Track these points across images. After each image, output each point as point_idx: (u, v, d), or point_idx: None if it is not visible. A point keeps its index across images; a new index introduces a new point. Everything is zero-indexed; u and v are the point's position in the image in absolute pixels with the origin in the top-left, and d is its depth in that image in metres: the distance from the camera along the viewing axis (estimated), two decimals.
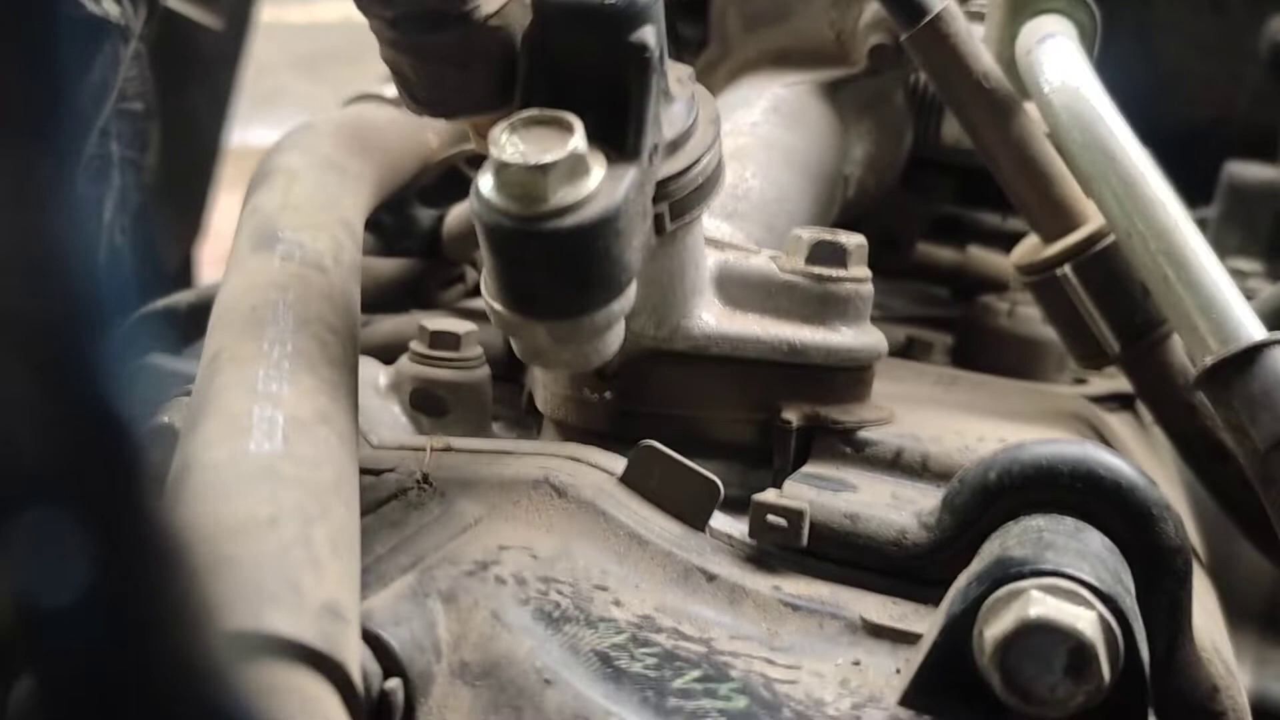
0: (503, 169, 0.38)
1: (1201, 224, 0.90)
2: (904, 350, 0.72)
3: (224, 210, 1.34)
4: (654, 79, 0.40)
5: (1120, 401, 0.69)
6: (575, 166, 0.38)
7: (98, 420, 0.22)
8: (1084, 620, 0.34)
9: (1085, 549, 0.37)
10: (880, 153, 0.68)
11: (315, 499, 0.33)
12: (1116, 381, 0.69)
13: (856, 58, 0.65)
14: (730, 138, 0.61)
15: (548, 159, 0.38)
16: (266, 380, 0.38)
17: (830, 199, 0.62)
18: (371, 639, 0.36)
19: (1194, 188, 0.92)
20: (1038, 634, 0.34)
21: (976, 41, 0.53)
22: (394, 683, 0.35)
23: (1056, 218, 0.52)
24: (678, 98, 0.43)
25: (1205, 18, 0.95)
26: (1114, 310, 0.51)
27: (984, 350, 0.71)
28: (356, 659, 0.30)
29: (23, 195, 0.22)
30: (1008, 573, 0.36)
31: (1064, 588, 0.35)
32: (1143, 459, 0.59)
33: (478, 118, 0.44)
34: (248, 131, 1.57)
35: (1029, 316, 0.71)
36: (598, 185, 0.38)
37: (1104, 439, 0.56)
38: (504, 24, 0.41)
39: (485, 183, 0.39)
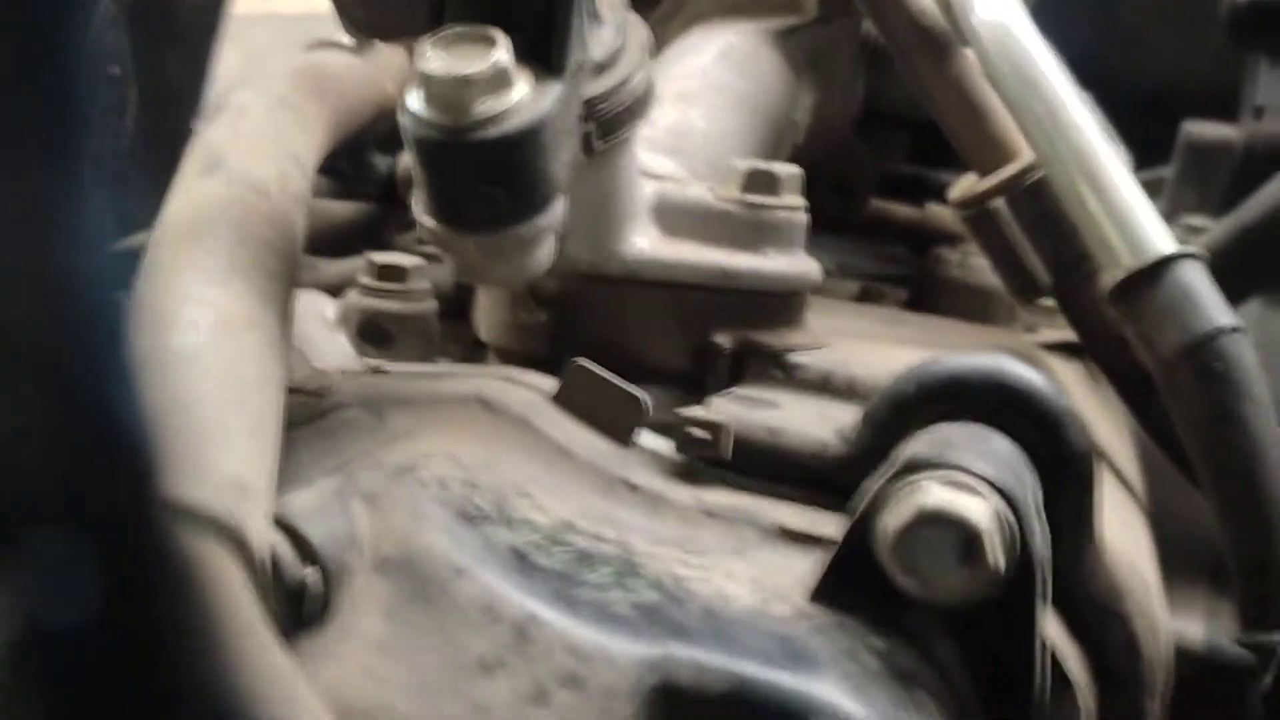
0: (428, 81, 0.39)
1: (1160, 184, 0.91)
2: (858, 300, 0.74)
3: None
4: (577, 2, 0.41)
5: (1070, 350, 0.70)
6: (499, 79, 0.39)
7: (108, 439, 0.22)
8: (976, 510, 0.35)
9: (987, 449, 0.38)
10: (831, 101, 0.69)
11: (235, 389, 0.35)
12: (1067, 332, 0.70)
13: (808, 6, 0.67)
14: (679, 81, 0.62)
15: (471, 70, 0.39)
16: (200, 285, 0.39)
17: (777, 142, 0.63)
18: (290, 530, 0.37)
19: (1156, 148, 0.93)
20: (931, 523, 0.35)
21: None
22: (311, 571, 0.37)
23: (991, 154, 0.54)
24: (607, 21, 0.45)
25: None
26: (1046, 243, 0.52)
27: (937, 300, 0.73)
28: (261, 533, 0.32)
29: (33, 210, 0.21)
30: (909, 467, 0.37)
31: (959, 480, 0.36)
32: (1086, 404, 0.61)
33: (413, 41, 0.45)
34: None
35: (980, 266, 0.72)
36: (522, 98, 0.40)
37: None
38: None
39: (412, 97, 0.40)
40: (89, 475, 0.22)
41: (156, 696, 0.23)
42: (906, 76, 0.55)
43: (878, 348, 0.52)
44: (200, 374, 0.35)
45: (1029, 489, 0.38)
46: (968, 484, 0.36)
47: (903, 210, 0.84)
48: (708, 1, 0.69)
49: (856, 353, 0.50)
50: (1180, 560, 0.83)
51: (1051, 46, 1.03)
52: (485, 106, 0.39)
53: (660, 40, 0.71)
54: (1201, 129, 0.86)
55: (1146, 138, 0.94)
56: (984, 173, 0.54)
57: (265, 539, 0.32)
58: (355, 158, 0.69)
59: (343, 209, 0.70)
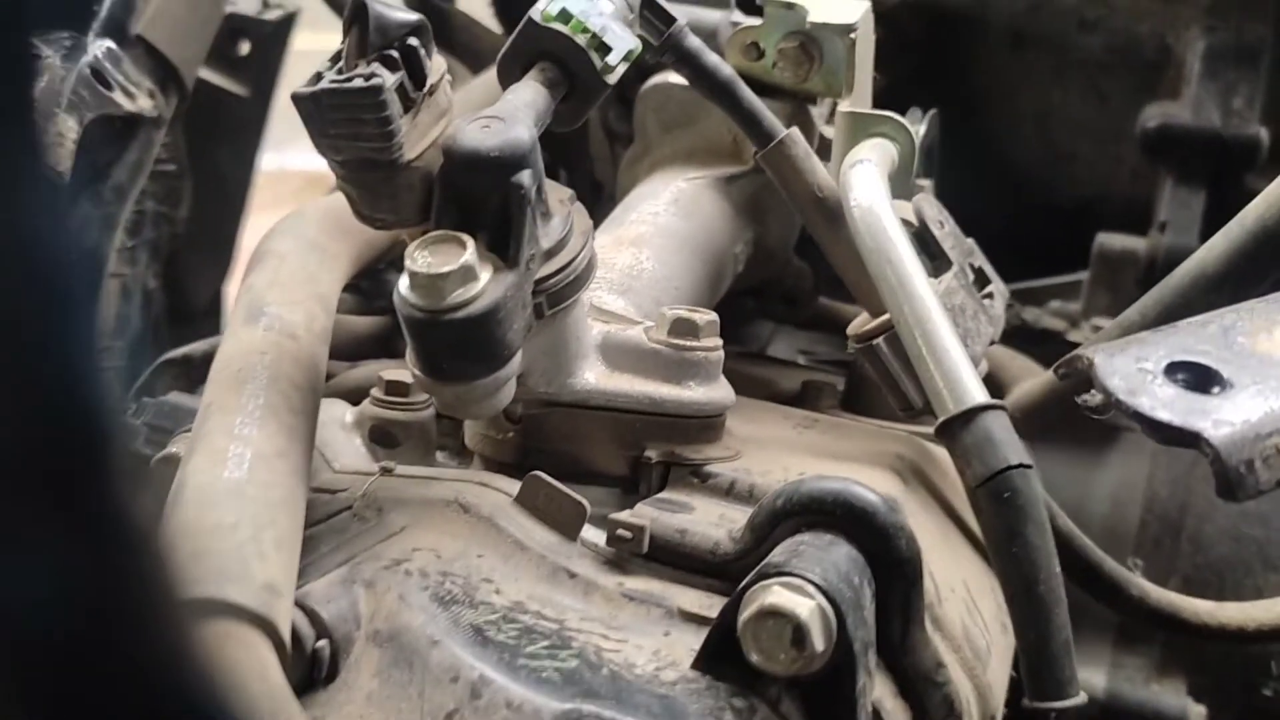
0: (414, 276, 0.53)
1: (1078, 285, 1.04)
2: (799, 395, 0.86)
3: (253, 232, 1.49)
4: (529, 208, 0.54)
5: None
6: (466, 274, 0.53)
7: (67, 410, 0.22)
8: (803, 607, 0.48)
9: (826, 557, 0.51)
10: (769, 232, 0.82)
11: (267, 512, 0.48)
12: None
13: (747, 158, 0.80)
14: (635, 225, 0.75)
15: (445, 269, 0.52)
16: (241, 425, 0.53)
17: (718, 275, 0.76)
18: (308, 611, 0.50)
19: (1080, 253, 1.05)
20: (771, 616, 0.48)
21: (814, 159, 0.67)
22: (323, 643, 0.50)
23: (875, 300, 0.66)
24: (555, 214, 0.58)
25: (1091, 105, 1.08)
26: (913, 374, 0.64)
27: (867, 390, 0.85)
28: (288, 624, 0.45)
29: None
30: (764, 573, 0.50)
31: (794, 584, 0.49)
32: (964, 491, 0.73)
33: (406, 229, 0.58)
34: (284, 155, 1.64)
35: None
36: (483, 287, 0.53)
37: (924, 472, 0.69)
38: (423, 164, 0.55)
39: (403, 284, 0.53)
40: (48, 447, 0.22)
41: (115, 669, 0.23)
42: (810, 231, 0.68)
43: (780, 457, 0.65)
44: (244, 500, 0.48)
45: (859, 587, 0.51)
46: (800, 586, 0.49)
47: (845, 308, 0.96)
48: (667, 150, 0.82)
49: (760, 463, 0.63)
50: (1089, 622, 0.95)
51: (997, 163, 1.17)
52: (456, 295, 0.52)
53: (630, 178, 0.85)
54: (1111, 240, 0.98)
55: (1077, 243, 1.07)
56: (872, 314, 0.67)
57: (289, 627, 0.45)
58: (374, 278, 0.83)
59: (362, 322, 0.83)
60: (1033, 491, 0.53)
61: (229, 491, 0.48)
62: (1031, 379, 0.82)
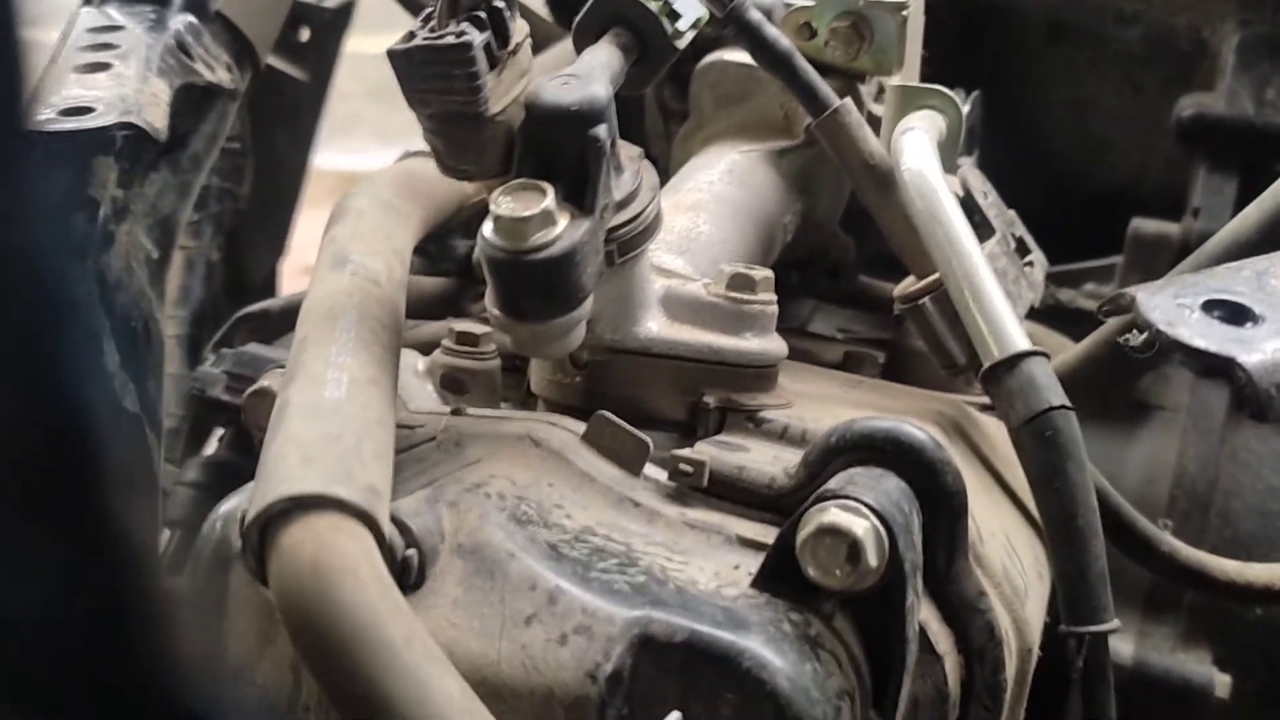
0: (498, 219, 0.57)
1: (1113, 269, 1.07)
2: (841, 364, 0.90)
3: (303, 228, 1.54)
4: (605, 160, 0.59)
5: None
6: (546, 218, 0.57)
7: (57, 417, 0.22)
8: (859, 526, 0.52)
9: (878, 486, 0.54)
10: (817, 205, 0.86)
11: (365, 427, 0.52)
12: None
13: (798, 132, 0.84)
14: (692, 193, 0.79)
15: (527, 213, 0.56)
16: (337, 354, 0.57)
17: (769, 242, 0.80)
18: (399, 523, 0.54)
19: (1115, 238, 1.09)
20: (828, 534, 0.52)
21: (866, 129, 0.71)
22: (412, 552, 0.54)
23: (924, 263, 0.70)
24: (626, 169, 0.62)
25: (1127, 96, 1.12)
26: (960, 332, 0.68)
27: (906, 364, 0.89)
28: (386, 522, 0.49)
29: None
30: (822, 496, 0.54)
31: (851, 506, 0.52)
32: (1005, 453, 0.76)
33: (489, 180, 0.62)
34: (325, 154, 1.68)
35: None
36: (561, 231, 0.57)
37: (968, 434, 0.73)
38: (506, 119, 0.60)
39: (487, 227, 0.58)
40: (43, 457, 0.22)
41: (112, 677, 0.23)
42: (862, 198, 0.72)
43: (830, 408, 0.68)
44: (344, 417, 0.52)
45: (908, 515, 0.55)
46: (857, 509, 0.52)
47: (885, 285, 1.00)
48: (721, 125, 0.86)
49: (811, 412, 0.67)
50: (1118, 592, 0.98)
51: (1035, 150, 1.20)
52: (536, 238, 0.56)
53: (685, 152, 0.89)
54: (1145, 225, 1.01)
55: (1112, 228, 1.10)
56: (919, 276, 0.71)
57: (388, 525, 0.49)
58: (440, 242, 0.87)
59: (430, 283, 0.88)
60: (1073, 431, 0.56)
61: (330, 409, 0.52)
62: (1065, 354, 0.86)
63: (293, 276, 1.74)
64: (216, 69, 0.92)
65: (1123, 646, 0.97)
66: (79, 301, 0.23)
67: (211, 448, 0.90)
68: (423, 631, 0.45)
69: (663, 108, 0.92)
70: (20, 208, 0.22)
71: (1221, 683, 0.95)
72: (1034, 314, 0.95)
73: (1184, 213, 1.04)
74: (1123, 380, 0.91)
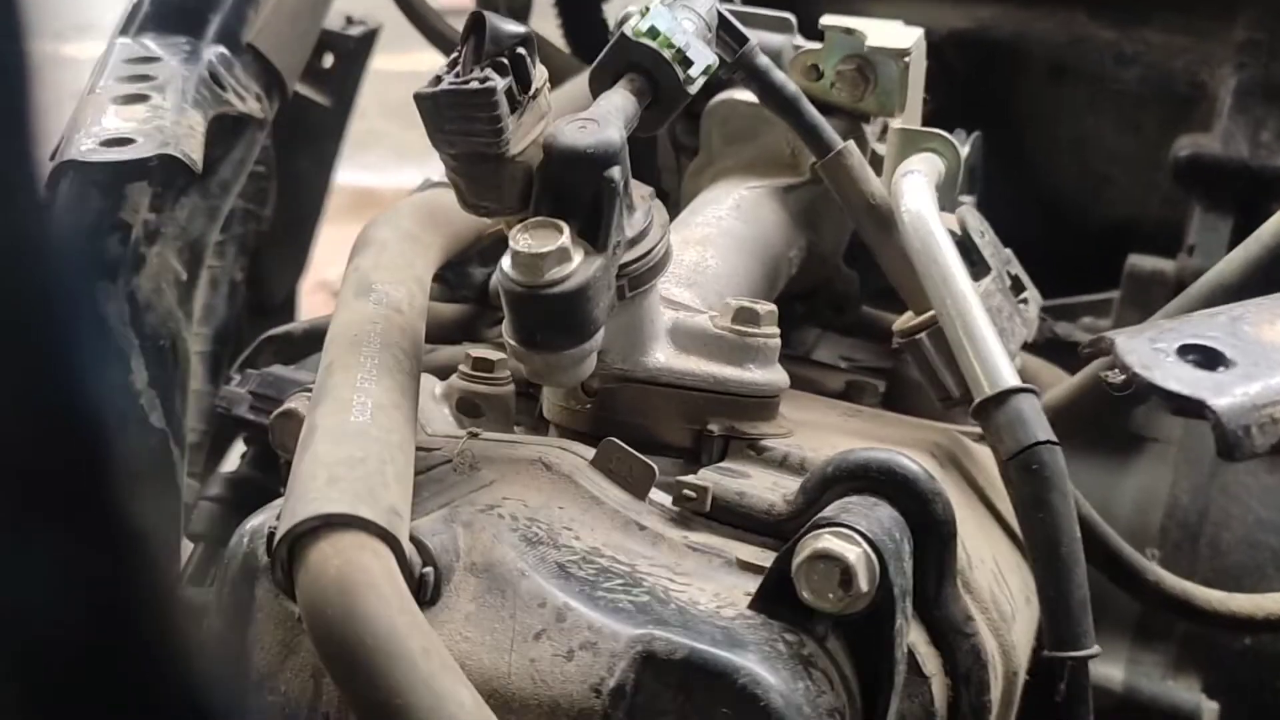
0: (516, 255, 0.60)
1: (1109, 303, 1.10)
2: (843, 392, 0.93)
3: (321, 243, 1.57)
4: (618, 200, 0.62)
5: None
6: (561, 255, 0.60)
7: (64, 413, 0.22)
8: (851, 552, 0.54)
9: (871, 515, 0.57)
10: (821, 240, 0.89)
11: (388, 450, 0.56)
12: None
13: (804, 169, 0.87)
14: (701, 228, 0.83)
15: (543, 250, 0.60)
16: (362, 380, 0.60)
17: (774, 275, 0.83)
18: (417, 542, 0.57)
19: (1114, 272, 1.12)
20: (822, 559, 0.55)
21: (868, 170, 0.74)
22: (429, 569, 0.57)
23: (921, 300, 0.73)
24: (638, 208, 0.65)
25: (1126, 135, 1.15)
26: (955, 367, 0.71)
27: (905, 393, 0.92)
28: (406, 541, 0.52)
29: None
30: (817, 524, 0.57)
31: (844, 533, 0.55)
32: (997, 482, 0.79)
33: (508, 217, 0.66)
34: (344, 170, 1.68)
35: None
36: (575, 267, 0.60)
37: (961, 464, 0.76)
38: (526, 159, 0.63)
39: (505, 262, 0.61)
40: (51, 452, 0.22)
41: (120, 673, 0.23)
42: (862, 236, 0.75)
43: (828, 437, 0.71)
44: (368, 440, 0.56)
45: (899, 542, 0.57)
46: (850, 536, 0.55)
47: (888, 315, 1.03)
48: (730, 162, 0.89)
49: (810, 441, 0.70)
50: (1109, 619, 1.01)
51: (1036, 186, 1.24)
52: (552, 274, 0.60)
53: (695, 186, 0.92)
54: (1142, 261, 1.04)
55: (1110, 263, 1.13)
56: (916, 313, 0.74)
57: (407, 543, 0.52)
58: (458, 269, 0.91)
59: (448, 309, 0.91)
60: (1058, 465, 0.59)
61: (355, 432, 0.56)
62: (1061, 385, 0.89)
63: (310, 292, 1.77)
64: (247, 99, 0.96)
65: (1113, 672, 1.00)
66: (103, 318, 0.23)
67: (234, 464, 0.93)
68: (439, 644, 0.48)
69: (675, 143, 0.95)
70: (49, 228, 0.22)
71: (1209, 710, 0.97)
72: (1032, 347, 0.98)
73: (1180, 249, 1.07)
74: (1115, 412, 0.93)
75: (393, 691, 0.46)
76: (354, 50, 1.43)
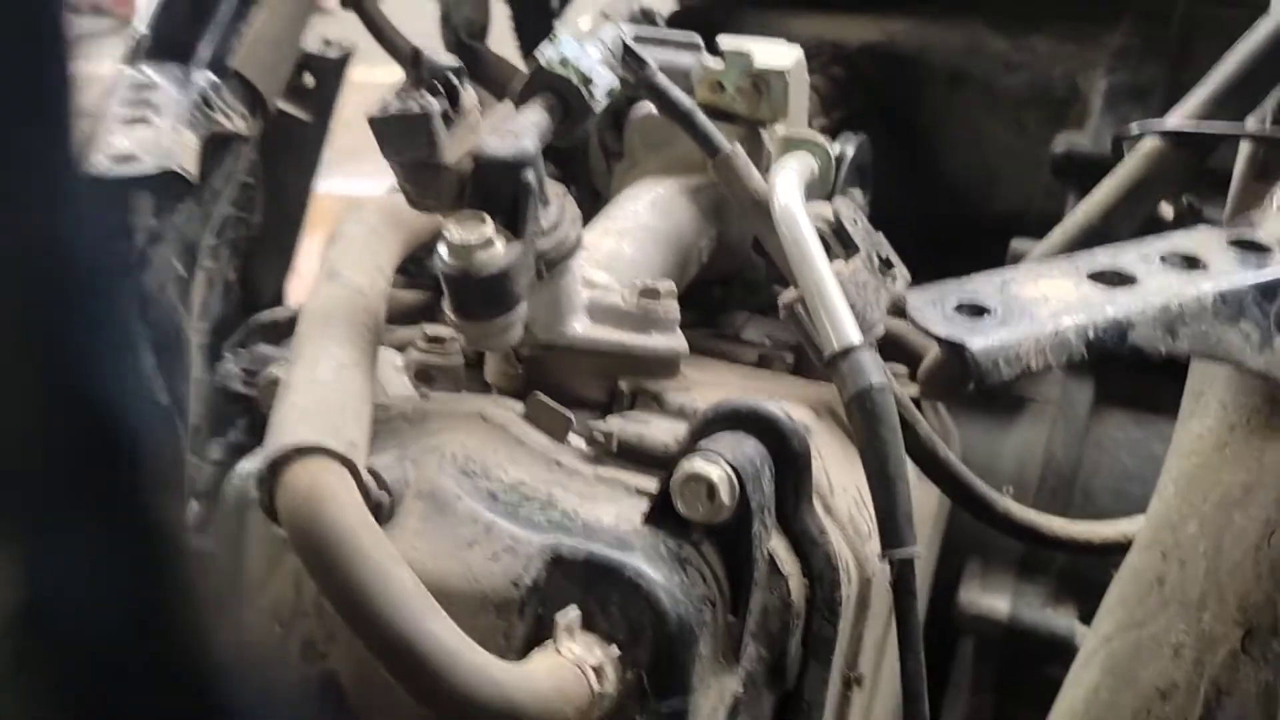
0: (450, 244, 0.74)
1: None
2: (756, 365, 1.07)
3: (307, 251, 1.70)
4: (532, 197, 0.76)
5: None
6: (487, 243, 0.74)
7: (95, 414, 0.22)
8: (715, 472, 0.69)
9: (737, 445, 0.72)
10: (729, 231, 1.03)
11: (348, 399, 0.70)
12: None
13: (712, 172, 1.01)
14: (620, 220, 0.97)
15: (471, 239, 0.74)
16: (327, 345, 0.75)
17: (685, 262, 0.98)
18: (375, 475, 0.71)
19: (1003, 256, 1.26)
20: (693, 479, 0.69)
21: (753, 169, 0.89)
22: (385, 495, 0.72)
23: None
24: (552, 203, 0.80)
25: (1014, 133, 1.29)
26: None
27: (810, 365, 1.06)
28: (363, 468, 0.67)
29: (23, 191, 0.21)
30: (690, 452, 0.71)
31: (711, 458, 0.69)
32: None
33: (446, 212, 0.80)
34: (331, 180, 1.82)
35: None
36: (499, 251, 0.75)
37: (837, 414, 0.90)
38: (459, 166, 0.77)
39: (441, 249, 0.75)
40: (88, 448, 0.22)
41: (152, 666, 0.24)
42: (750, 225, 0.89)
43: (724, 392, 0.86)
44: (332, 390, 0.70)
45: (759, 467, 0.72)
46: (716, 460, 0.70)
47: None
48: (650, 165, 1.04)
49: (706, 395, 0.84)
50: (996, 555, 1.15)
51: (939, 180, 1.38)
52: (479, 258, 0.74)
53: (620, 185, 1.06)
54: (1023, 244, 1.19)
55: (1003, 247, 1.28)
56: (796, 288, 0.88)
57: (365, 472, 0.67)
58: (418, 262, 1.05)
59: (408, 295, 1.06)
60: (887, 402, 0.74)
61: (322, 385, 0.70)
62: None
63: (298, 295, 1.89)
64: (234, 118, 1.10)
65: (999, 604, 1.14)
66: (124, 315, 0.24)
67: (231, 434, 1.07)
68: (385, 539, 0.63)
69: (604, 149, 1.10)
70: (77, 231, 0.23)
71: (1083, 634, 1.11)
72: None
73: None
74: None
75: (351, 574, 0.60)
76: (331, 70, 1.56)
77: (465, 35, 1.42)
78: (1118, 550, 0.90)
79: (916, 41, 1.33)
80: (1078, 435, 1.14)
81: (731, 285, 1.11)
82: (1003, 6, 1.32)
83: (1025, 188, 1.29)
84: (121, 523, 0.24)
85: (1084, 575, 1.13)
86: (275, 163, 1.52)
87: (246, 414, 1.03)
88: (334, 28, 1.63)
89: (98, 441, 0.24)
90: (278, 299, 1.64)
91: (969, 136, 1.31)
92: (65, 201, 0.24)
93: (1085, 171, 1.20)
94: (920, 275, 1.17)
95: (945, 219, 1.27)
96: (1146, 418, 1.14)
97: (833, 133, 1.27)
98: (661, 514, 0.71)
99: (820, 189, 0.89)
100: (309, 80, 1.56)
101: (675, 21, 1.50)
